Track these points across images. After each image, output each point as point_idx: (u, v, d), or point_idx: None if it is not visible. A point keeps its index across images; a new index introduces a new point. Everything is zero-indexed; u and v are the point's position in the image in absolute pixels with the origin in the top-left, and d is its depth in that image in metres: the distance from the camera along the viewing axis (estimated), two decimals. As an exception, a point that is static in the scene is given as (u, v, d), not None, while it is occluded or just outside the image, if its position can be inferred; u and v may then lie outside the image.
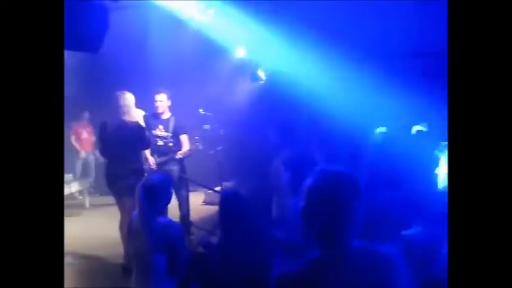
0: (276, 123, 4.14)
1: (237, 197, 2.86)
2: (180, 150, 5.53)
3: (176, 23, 6.73)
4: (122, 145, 4.61)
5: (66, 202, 7.28)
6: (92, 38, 3.38)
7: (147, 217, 2.84)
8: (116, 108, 4.64)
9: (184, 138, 5.57)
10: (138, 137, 4.70)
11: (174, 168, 5.49)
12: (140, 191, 2.89)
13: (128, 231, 3.06)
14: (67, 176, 7.45)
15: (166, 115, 5.55)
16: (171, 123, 5.49)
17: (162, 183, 2.97)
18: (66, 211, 6.86)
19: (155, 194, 2.88)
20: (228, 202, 2.81)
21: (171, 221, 3.04)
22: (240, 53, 7.51)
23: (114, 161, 4.68)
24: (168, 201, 3.08)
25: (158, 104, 5.44)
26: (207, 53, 7.57)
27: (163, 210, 3.04)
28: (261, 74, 7.76)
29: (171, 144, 5.47)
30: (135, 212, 2.99)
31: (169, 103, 5.53)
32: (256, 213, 2.96)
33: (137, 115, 4.80)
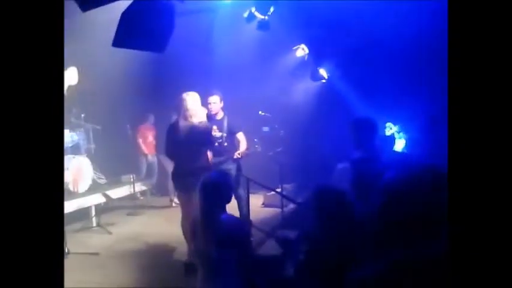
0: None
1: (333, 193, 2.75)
2: (236, 150, 5.53)
3: (236, 23, 6.70)
4: (189, 144, 4.70)
5: (129, 202, 7.56)
6: (158, 38, 3.38)
7: (211, 214, 2.86)
8: (182, 108, 4.74)
9: (240, 136, 5.60)
10: (205, 136, 4.81)
11: (231, 168, 5.49)
12: (201, 188, 2.93)
13: (193, 228, 3.03)
14: (130, 177, 7.68)
15: (220, 116, 5.62)
16: (225, 124, 5.55)
17: (220, 181, 2.98)
18: (129, 211, 7.18)
19: (215, 191, 2.90)
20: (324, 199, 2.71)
21: (236, 218, 3.05)
22: (301, 51, 7.30)
23: (181, 160, 4.78)
24: (229, 199, 3.06)
25: (211, 105, 5.51)
26: (268, 52, 7.46)
27: (224, 208, 3.00)
28: (323, 72, 7.49)
29: (226, 144, 5.50)
30: (199, 209, 3.01)
31: (222, 104, 5.60)
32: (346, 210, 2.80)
33: (203, 114, 4.88)
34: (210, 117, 5.52)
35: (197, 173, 4.45)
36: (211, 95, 5.53)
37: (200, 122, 4.77)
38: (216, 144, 5.42)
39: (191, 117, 4.71)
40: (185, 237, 4.62)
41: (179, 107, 4.79)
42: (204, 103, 5.46)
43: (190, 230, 3.08)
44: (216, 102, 5.52)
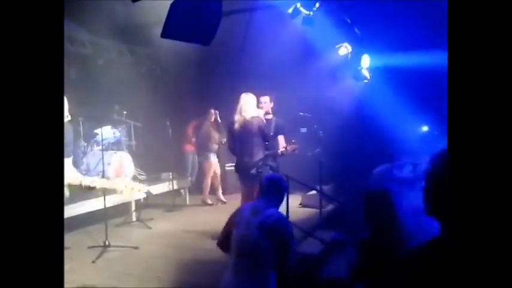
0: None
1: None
2: (276, 152, 5.62)
3: (280, 22, 6.68)
4: (249, 139, 5.24)
5: (168, 199, 7.64)
6: (205, 30, 3.49)
7: (260, 208, 3.02)
8: (241, 107, 5.28)
9: (281, 138, 5.78)
10: (260, 133, 5.25)
11: (272, 165, 5.55)
12: (265, 183, 3.17)
13: (237, 220, 3.14)
14: (169, 174, 7.76)
15: (269, 116, 5.80)
16: (273, 124, 5.74)
17: (279, 182, 3.18)
18: (168, 207, 7.26)
19: (277, 188, 3.12)
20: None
21: (282, 214, 3.17)
22: (344, 50, 7.18)
23: (243, 153, 5.30)
24: (282, 199, 3.24)
25: (262, 105, 5.76)
26: (310, 51, 7.39)
27: (277, 206, 3.16)
28: (365, 72, 7.33)
29: (267, 143, 5.59)
30: (248, 203, 3.24)
31: (272, 105, 5.87)
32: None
33: (258, 113, 5.36)
34: None
35: (254, 166, 5.21)
36: (263, 95, 5.84)
37: (255, 118, 5.25)
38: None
39: (248, 114, 5.23)
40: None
41: (238, 106, 5.31)
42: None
43: (238, 220, 3.16)
44: (266, 102, 5.83)
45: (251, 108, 5.29)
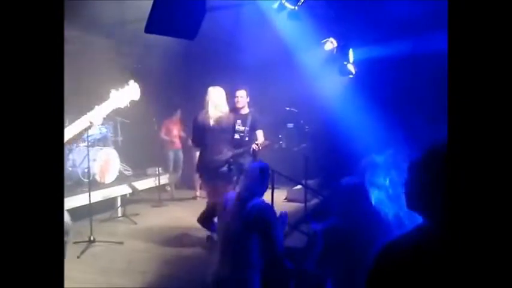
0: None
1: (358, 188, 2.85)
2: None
3: (264, 16, 6.67)
4: (212, 136, 4.98)
5: (154, 194, 7.65)
6: (189, 25, 3.48)
7: (243, 198, 2.97)
8: (207, 101, 5.04)
9: (259, 133, 5.64)
10: (228, 128, 5.06)
11: (248, 161, 5.47)
12: (246, 172, 3.16)
13: (221, 210, 3.12)
14: (155, 169, 7.77)
15: (245, 111, 5.68)
16: (249, 119, 5.61)
17: (263, 170, 3.12)
18: (154, 202, 7.27)
19: (256, 179, 3.05)
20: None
21: (266, 203, 3.09)
22: (329, 45, 7.20)
23: (206, 151, 5.08)
24: (265, 188, 3.18)
25: (238, 99, 5.64)
26: (296, 46, 7.38)
27: (260, 195, 3.10)
28: (351, 67, 7.38)
29: (247, 138, 5.54)
30: (232, 193, 3.19)
31: (248, 99, 5.70)
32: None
33: (227, 108, 5.14)
34: (236, 110, 5.64)
35: (220, 163, 4.93)
36: (239, 89, 5.67)
37: (224, 114, 5.02)
38: (238, 137, 5.49)
39: (215, 109, 4.98)
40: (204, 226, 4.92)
41: (205, 100, 5.08)
42: (232, 97, 5.63)
43: (220, 208, 3.15)
44: (242, 96, 5.64)
45: (219, 102, 5.04)
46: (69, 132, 2.91)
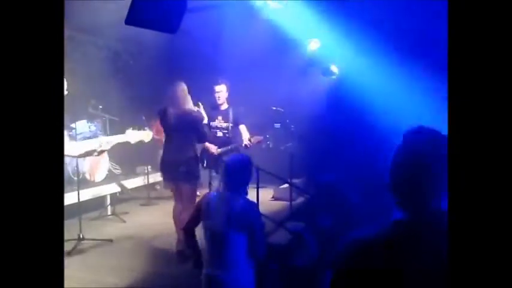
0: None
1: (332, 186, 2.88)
2: (239, 141, 5.52)
3: (249, 15, 6.71)
4: (176, 134, 4.73)
5: (143, 193, 7.69)
6: (171, 18, 3.42)
7: (227, 196, 2.92)
8: (172, 98, 4.75)
9: (243, 128, 5.55)
10: (193, 128, 4.75)
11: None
12: (224, 168, 3.00)
13: (205, 211, 3.04)
14: (145, 168, 7.82)
15: (225, 106, 5.58)
16: (230, 114, 5.52)
17: (242, 163, 3.03)
18: (143, 201, 7.29)
19: (235, 173, 2.96)
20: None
21: (251, 201, 3.04)
22: (312, 46, 7.30)
23: (168, 149, 4.82)
24: (248, 181, 3.07)
25: (217, 94, 5.49)
26: (279, 47, 7.45)
27: (244, 191, 3.03)
28: (334, 68, 7.48)
29: (229, 135, 5.50)
30: (214, 192, 3.12)
31: (227, 94, 5.55)
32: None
33: (189, 104, 4.81)
34: (215, 106, 5.56)
35: (184, 162, 4.65)
36: (218, 83, 5.49)
37: (184, 111, 4.72)
38: (221, 134, 5.46)
39: (178, 105, 4.70)
40: (175, 226, 4.84)
41: (169, 96, 4.80)
42: (212, 93, 5.54)
43: (205, 211, 3.06)
44: (222, 91, 5.49)
45: (183, 100, 4.73)
46: (78, 147, 2.92)
